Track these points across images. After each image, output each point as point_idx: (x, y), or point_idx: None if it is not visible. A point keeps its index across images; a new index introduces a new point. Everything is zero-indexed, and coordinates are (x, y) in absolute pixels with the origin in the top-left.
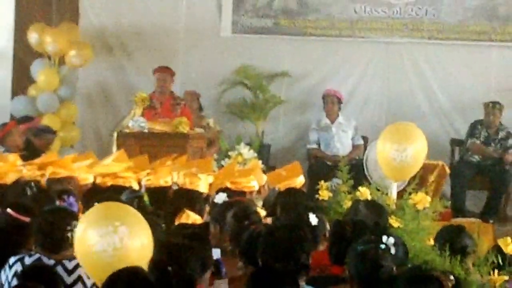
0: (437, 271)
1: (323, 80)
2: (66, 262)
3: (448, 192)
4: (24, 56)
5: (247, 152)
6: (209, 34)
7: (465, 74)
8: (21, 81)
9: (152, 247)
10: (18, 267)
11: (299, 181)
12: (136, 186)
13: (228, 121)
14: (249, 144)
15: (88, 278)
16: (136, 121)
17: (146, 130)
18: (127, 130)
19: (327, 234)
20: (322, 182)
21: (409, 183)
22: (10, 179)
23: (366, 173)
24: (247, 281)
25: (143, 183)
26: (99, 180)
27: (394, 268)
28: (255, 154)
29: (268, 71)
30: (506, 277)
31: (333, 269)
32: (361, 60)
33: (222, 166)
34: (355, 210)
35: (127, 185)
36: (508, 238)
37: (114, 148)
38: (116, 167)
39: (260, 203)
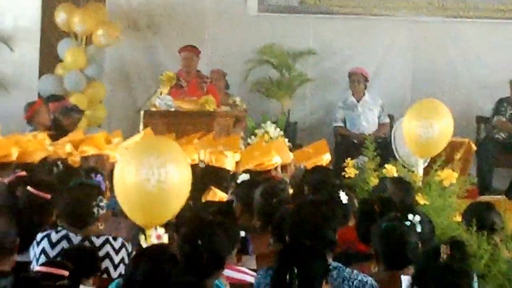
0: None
1: (349, 58)
2: (93, 238)
3: (474, 170)
4: (51, 36)
5: (273, 130)
6: (236, 13)
7: (490, 52)
8: (48, 61)
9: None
10: (45, 244)
11: (326, 159)
12: None
13: (255, 99)
14: (275, 122)
15: (116, 254)
16: (163, 100)
17: (172, 109)
18: (154, 109)
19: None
20: (348, 159)
21: (434, 161)
22: (38, 157)
23: (394, 150)
24: (276, 257)
25: None
26: None
27: (420, 245)
28: (281, 132)
29: (294, 50)
30: None
31: (360, 246)
32: (386, 38)
33: (249, 144)
34: (382, 187)
35: None
36: None
37: (141, 126)
38: None
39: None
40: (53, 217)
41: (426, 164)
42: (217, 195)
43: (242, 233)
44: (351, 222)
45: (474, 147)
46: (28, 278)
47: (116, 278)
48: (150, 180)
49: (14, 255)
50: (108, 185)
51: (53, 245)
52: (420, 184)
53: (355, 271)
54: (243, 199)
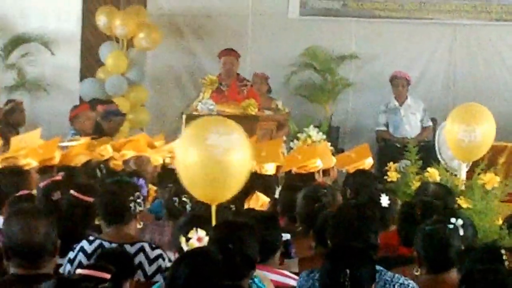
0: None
1: (391, 62)
2: (127, 247)
3: None
4: (92, 39)
5: (316, 134)
6: (278, 16)
7: None
8: (90, 64)
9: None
10: (81, 257)
11: (368, 162)
12: None
13: (297, 103)
14: (318, 126)
15: (149, 264)
16: (205, 104)
17: (214, 113)
18: (196, 113)
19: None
20: (390, 163)
21: (477, 164)
22: (80, 161)
23: (438, 154)
24: (324, 259)
25: None
26: (168, 161)
27: (463, 248)
28: (324, 136)
29: (336, 53)
30: None
31: (401, 249)
32: (429, 42)
33: (291, 148)
34: (424, 191)
35: None
36: None
37: (183, 130)
38: None
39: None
40: (96, 220)
41: (468, 167)
42: (260, 199)
43: (287, 236)
44: (393, 226)
45: None
46: (70, 280)
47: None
48: (221, 146)
49: (56, 258)
50: (152, 188)
51: (88, 256)
52: (462, 187)
53: (396, 275)
54: (284, 204)
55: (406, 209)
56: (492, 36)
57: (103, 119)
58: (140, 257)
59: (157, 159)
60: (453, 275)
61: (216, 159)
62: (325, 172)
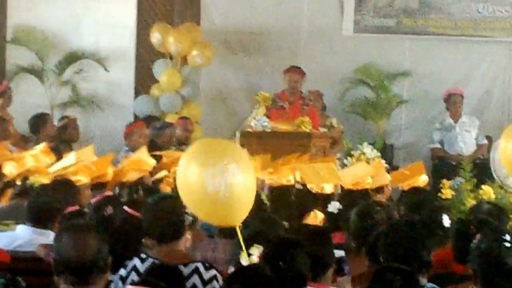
0: None
1: (446, 79)
2: (181, 267)
3: None
4: (146, 56)
5: (370, 151)
6: (331, 33)
7: None
8: (144, 81)
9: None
10: (133, 277)
11: (422, 180)
12: None
13: (351, 120)
14: (372, 143)
15: (204, 286)
16: (259, 121)
17: (268, 130)
18: (250, 130)
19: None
20: (444, 180)
21: None
22: (133, 177)
23: (493, 172)
24: (371, 279)
25: (266, 181)
26: None
27: None
28: (378, 154)
29: (389, 70)
30: None
31: (456, 267)
32: (483, 59)
33: (345, 165)
34: (478, 209)
35: None
36: None
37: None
38: None
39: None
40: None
41: None
42: (318, 217)
43: (341, 253)
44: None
45: None
46: None
47: None
48: (220, 189)
49: (107, 275)
50: None
51: (141, 275)
52: None
53: None
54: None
55: (461, 226)
56: None
57: (155, 135)
58: (195, 279)
59: None
60: None
61: (221, 200)
62: (380, 189)
